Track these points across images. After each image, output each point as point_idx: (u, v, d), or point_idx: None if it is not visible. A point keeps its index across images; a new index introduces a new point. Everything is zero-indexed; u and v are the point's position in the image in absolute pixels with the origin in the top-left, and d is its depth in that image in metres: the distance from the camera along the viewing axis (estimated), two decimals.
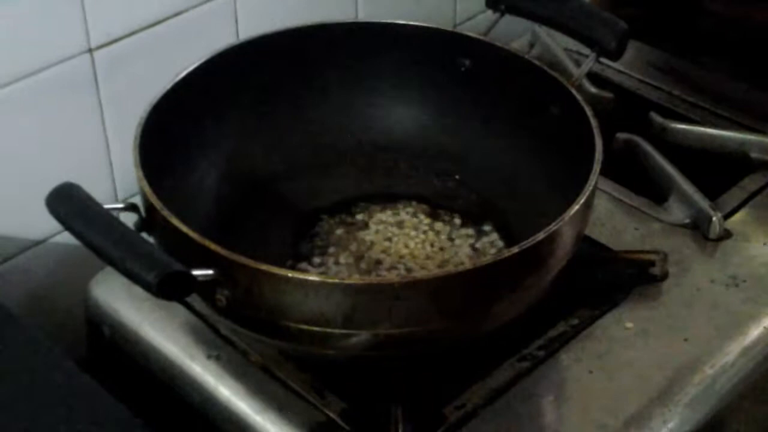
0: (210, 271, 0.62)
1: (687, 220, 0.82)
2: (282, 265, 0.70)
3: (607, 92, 0.94)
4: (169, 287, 0.59)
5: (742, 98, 0.94)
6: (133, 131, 0.71)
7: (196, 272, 0.61)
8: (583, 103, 0.72)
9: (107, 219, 0.62)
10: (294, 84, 0.82)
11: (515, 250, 0.62)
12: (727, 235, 0.81)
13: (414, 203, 0.82)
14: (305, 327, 0.63)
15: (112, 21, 0.80)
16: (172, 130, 0.74)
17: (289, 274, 0.61)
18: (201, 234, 0.64)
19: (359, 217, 0.81)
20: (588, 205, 0.67)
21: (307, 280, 0.61)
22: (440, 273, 0.66)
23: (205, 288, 0.63)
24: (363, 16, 0.97)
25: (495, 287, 0.64)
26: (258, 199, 0.81)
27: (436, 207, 0.82)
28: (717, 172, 0.87)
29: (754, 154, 0.88)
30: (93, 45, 0.79)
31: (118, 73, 0.82)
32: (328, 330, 0.63)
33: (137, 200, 0.69)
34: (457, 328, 0.65)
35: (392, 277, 0.71)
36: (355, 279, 0.70)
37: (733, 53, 0.95)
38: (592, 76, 0.96)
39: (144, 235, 0.67)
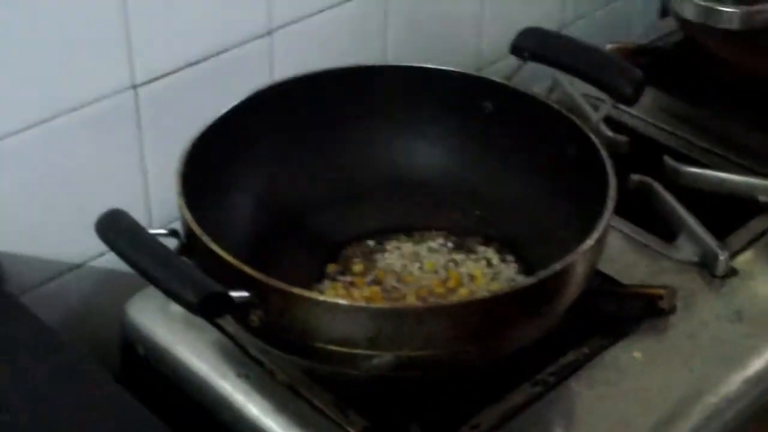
0: (246, 293, 0.67)
1: (695, 258, 0.86)
2: (311, 289, 0.75)
3: (623, 136, 0.99)
4: (208, 307, 0.64)
5: (752, 144, 0.98)
6: (170, 164, 0.76)
7: (233, 293, 0.66)
8: (599, 145, 0.76)
9: (152, 243, 0.68)
10: (325, 122, 0.87)
11: (532, 280, 0.67)
12: (733, 273, 0.85)
13: (435, 235, 0.87)
14: (333, 348, 0.68)
15: (155, 59, 0.86)
16: (211, 163, 0.79)
17: (320, 298, 0.66)
18: (237, 258, 0.69)
19: (384, 246, 0.86)
20: (601, 241, 0.72)
21: (336, 304, 0.66)
22: (461, 300, 0.70)
23: (240, 309, 0.68)
24: (392, 59, 1.02)
25: (512, 315, 0.68)
26: (289, 229, 0.86)
27: (457, 239, 0.86)
28: (726, 213, 0.91)
29: (761, 198, 0.92)
30: (138, 81, 0.85)
31: (159, 108, 0.87)
32: (355, 351, 0.67)
33: (177, 226, 0.75)
34: (475, 351, 0.69)
35: (416, 302, 0.75)
36: (382, 304, 0.74)
37: (744, 101, 1.00)
38: (609, 121, 1.01)
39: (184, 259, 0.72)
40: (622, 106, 0.92)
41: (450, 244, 0.86)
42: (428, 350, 0.67)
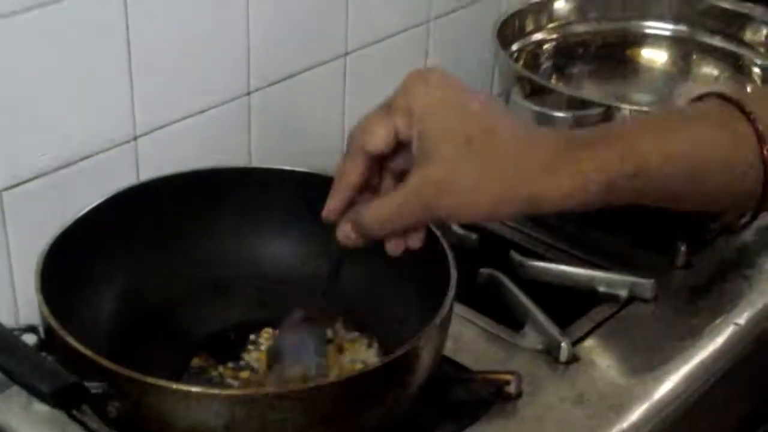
0: (102, 384, 0.69)
1: (540, 346, 0.92)
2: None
3: (473, 233, 1.05)
4: (63, 398, 0.66)
5: (590, 240, 1.06)
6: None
7: (88, 384, 0.68)
8: (442, 240, 0.82)
9: (9, 338, 0.69)
10: (189, 221, 0.91)
11: (377, 363, 0.71)
12: (575, 359, 0.91)
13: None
14: None
15: (18, 165, 0.88)
16: (72, 261, 0.81)
17: (173, 386, 0.68)
18: (97, 352, 0.71)
19: (248, 338, 0.89)
20: (444, 326, 0.76)
21: (189, 392, 0.68)
22: (310, 385, 0.73)
23: (96, 399, 0.69)
24: (255, 160, 1.06)
25: (361, 398, 0.72)
26: (153, 323, 0.88)
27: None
28: (568, 303, 0.97)
29: (601, 288, 0.99)
30: (1, 186, 0.87)
31: (23, 210, 0.89)
32: None
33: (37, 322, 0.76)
34: None
35: (266, 388, 0.78)
36: (232, 390, 0.77)
37: None
38: None
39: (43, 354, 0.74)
40: None
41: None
42: None
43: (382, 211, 0.70)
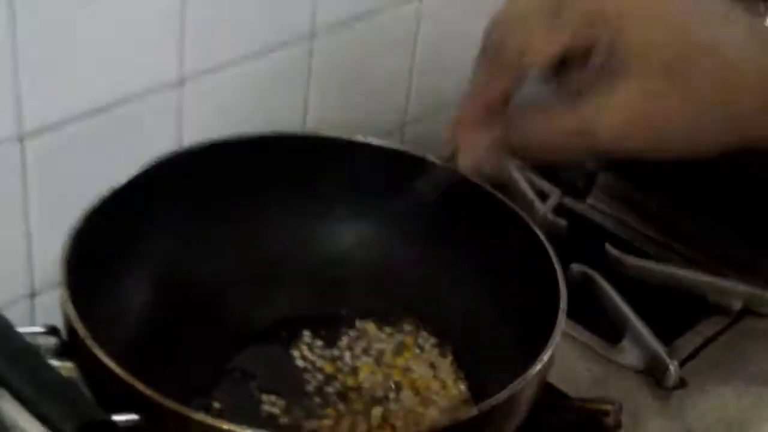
0: (134, 417, 0.56)
1: (641, 366, 0.79)
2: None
3: (561, 219, 0.91)
4: None
5: (702, 237, 0.91)
6: (59, 232, 0.65)
7: (118, 418, 0.55)
8: (548, 247, 0.68)
9: (26, 351, 0.57)
10: (236, 195, 0.77)
11: (474, 412, 0.58)
12: (682, 384, 0.77)
13: (358, 326, 0.78)
14: None
15: (47, 107, 0.74)
16: (103, 244, 0.68)
17: (227, 427, 0.55)
18: (125, 358, 0.58)
19: (303, 341, 0.76)
20: (552, 360, 0.63)
21: None
22: None
23: None
24: (311, 124, 0.92)
25: None
26: (189, 315, 0.75)
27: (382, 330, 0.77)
28: (671, 312, 0.84)
29: (710, 297, 0.85)
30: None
31: (48, 165, 0.75)
32: None
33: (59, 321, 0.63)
34: None
35: None
36: None
37: (695, 186, 0.92)
38: (544, 198, 0.92)
39: (60, 362, 0.61)
40: None
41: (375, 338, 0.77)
42: None
43: (554, 130, 0.56)
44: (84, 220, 0.66)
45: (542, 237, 0.70)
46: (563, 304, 0.65)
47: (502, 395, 0.59)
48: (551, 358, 0.63)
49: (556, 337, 0.63)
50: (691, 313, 0.84)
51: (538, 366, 0.61)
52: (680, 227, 0.92)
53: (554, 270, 0.68)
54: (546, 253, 0.69)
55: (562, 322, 0.64)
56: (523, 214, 0.72)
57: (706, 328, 0.83)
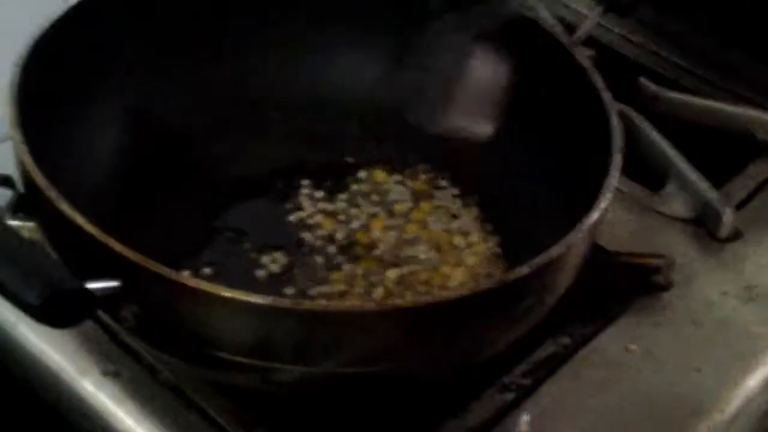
0: (113, 284, 0.46)
1: (689, 214, 0.69)
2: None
3: (589, 49, 0.79)
4: (56, 310, 0.43)
5: (748, 68, 0.80)
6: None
7: (93, 285, 0.45)
8: (599, 84, 0.58)
9: None
10: (223, 20, 0.65)
11: (525, 270, 0.48)
12: (737, 234, 0.68)
13: (366, 175, 0.67)
14: (242, 360, 0.47)
15: None
16: (59, 73, 0.56)
17: (227, 294, 0.45)
18: (96, 214, 0.47)
19: (302, 193, 0.65)
20: (607, 208, 0.53)
21: (251, 304, 0.45)
22: (426, 300, 0.50)
23: (105, 304, 0.46)
24: None
25: (490, 316, 0.49)
26: (168, 165, 0.64)
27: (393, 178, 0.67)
28: (717, 152, 0.74)
29: (760, 135, 0.75)
30: None
31: None
32: (275, 365, 0.47)
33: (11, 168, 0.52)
34: (438, 363, 0.50)
35: (365, 303, 0.55)
36: (316, 305, 0.52)
37: (739, 12, 0.81)
38: (568, 28, 0.81)
39: (19, 222, 0.50)
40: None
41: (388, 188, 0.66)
42: (377, 364, 0.48)
43: None
44: (32, 48, 0.54)
45: (587, 65, 0.59)
46: (619, 141, 0.55)
47: (556, 250, 0.49)
48: (607, 207, 0.53)
49: (613, 179, 0.53)
50: (740, 154, 0.74)
51: (595, 215, 0.51)
52: (722, 59, 0.80)
53: (603, 105, 0.57)
54: (593, 88, 0.58)
55: (618, 161, 0.54)
56: (563, 39, 0.61)
57: (758, 170, 0.73)
